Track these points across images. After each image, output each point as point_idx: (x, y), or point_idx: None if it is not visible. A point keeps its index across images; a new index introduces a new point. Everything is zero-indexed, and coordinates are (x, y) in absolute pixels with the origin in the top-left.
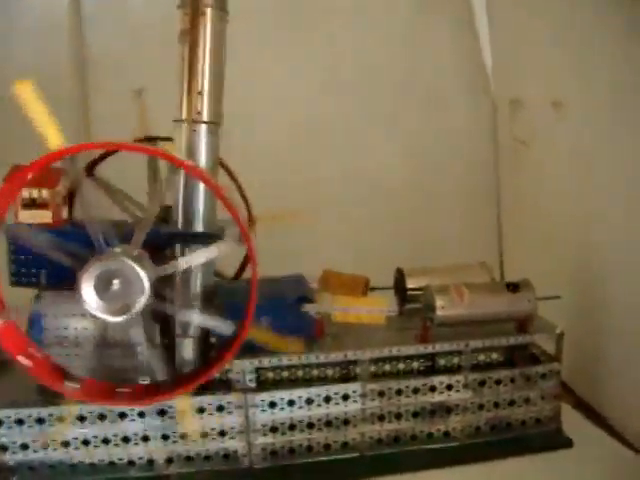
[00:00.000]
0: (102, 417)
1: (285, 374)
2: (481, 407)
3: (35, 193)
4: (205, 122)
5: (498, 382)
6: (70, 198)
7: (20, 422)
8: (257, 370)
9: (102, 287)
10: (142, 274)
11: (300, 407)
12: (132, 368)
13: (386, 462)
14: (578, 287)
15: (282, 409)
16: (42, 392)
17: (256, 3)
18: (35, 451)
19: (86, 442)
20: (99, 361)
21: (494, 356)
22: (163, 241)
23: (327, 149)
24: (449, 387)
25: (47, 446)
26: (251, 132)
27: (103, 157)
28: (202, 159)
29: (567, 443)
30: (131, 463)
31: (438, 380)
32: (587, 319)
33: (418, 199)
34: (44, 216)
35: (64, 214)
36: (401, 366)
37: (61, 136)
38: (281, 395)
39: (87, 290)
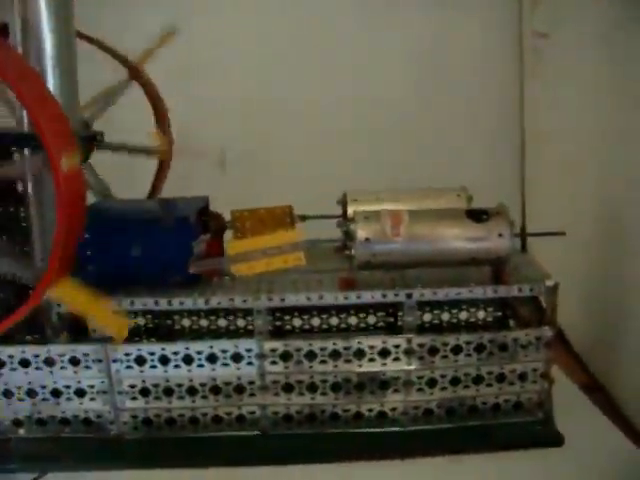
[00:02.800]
0: None
1: (185, 323)
2: (432, 383)
3: None
4: None
5: (457, 350)
6: None
7: None
8: (134, 312)
9: None
10: None
11: (177, 366)
12: None
13: (295, 445)
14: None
15: (154, 367)
16: None
17: None
18: None
19: None
20: None
21: (480, 314)
22: None
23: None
24: (383, 353)
25: None
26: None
27: None
28: (43, 30)
29: (555, 439)
30: None
31: (368, 343)
32: (613, 282)
33: (426, 123)
34: None
35: None
36: (334, 321)
37: None
38: (150, 348)
39: None
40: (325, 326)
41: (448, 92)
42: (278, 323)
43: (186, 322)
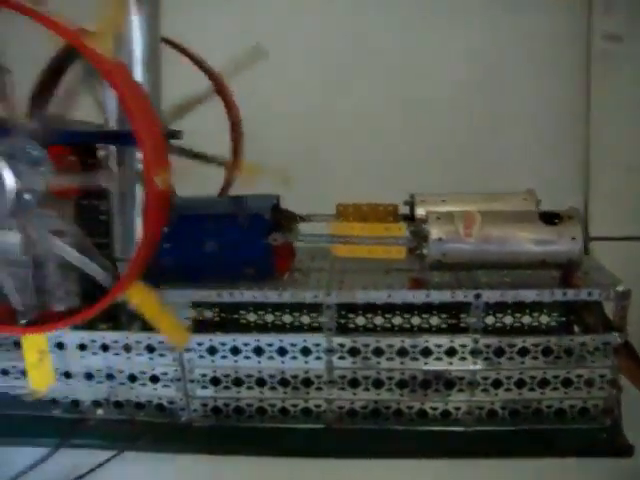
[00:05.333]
0: (16, 344)
1: (250, 317)
2: (497, 384)
3: None
4: None
5: (523, 352)
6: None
7: None
8: (202, 305)
9: None
10: (5, 174)
11: (247, 357)
12: (53, 290)
13: (358, 441)
14: None
15: (224, 357)
16: None
17: None
18: None
19: (5, 372)
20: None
21: (543, 319)
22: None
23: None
24: (450, 352)
25: None
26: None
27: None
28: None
29: (624, 448)
30: (55, 402)
31: (435, 341)
32: None
33: (484, 122)
34: None
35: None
36: (397, 321)
37: None
38: (222, 339)
39: None
40: (388, 325)
41: (511, 94)
42: (342, 321)
43: (252, 317)
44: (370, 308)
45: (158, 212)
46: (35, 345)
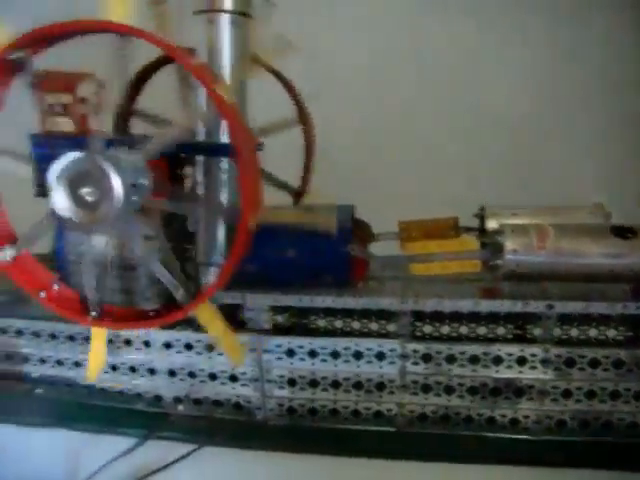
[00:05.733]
0: (110, 341)
1: (320, 322)
2: (567, 394)
3: (63, 99)
4: (228, 11)
5: (594, 363)
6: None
7: (36, 335)
8: (275, 310)
9: (74, 190)
10: (113, 175)
11: (324, 360)
12: (141, 291)
13: (428, 445)
14: None
15: (302, 360)
16: None
17: None
18: (52, 367)
19: None
20: (115, 282)
21: (610, 333)
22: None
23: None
24: (521, 361)
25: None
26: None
27: (149, 71)
28: (224, 55)
29: None
30: (139, 396)
31: (506, 350)
32: None
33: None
34: (66, 125)
35: (94, 124)
36: (464, 330)
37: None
38: (300, 342)
39: (58, 193)
40: (454, 334)
41: (579, 109)
42: (428, 329)
43: (321, 322)
44: (439, 316)
45: (245, 248)
46: (101, 337)
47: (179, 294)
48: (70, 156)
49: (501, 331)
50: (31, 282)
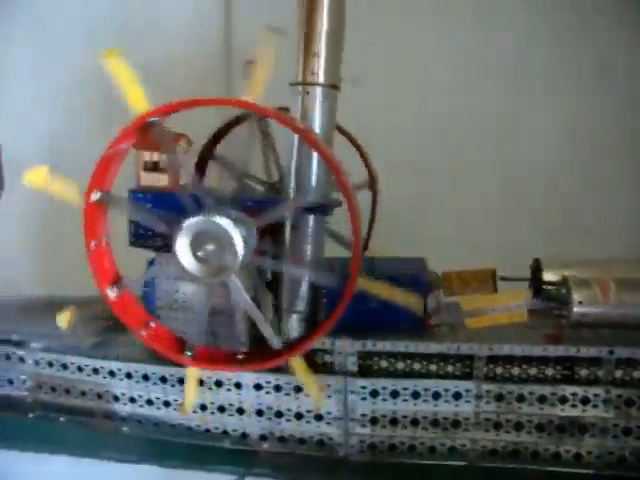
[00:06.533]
0: (201, 383)
1: (398, 365)
2: (627, 432)
3: (155, 157)
4: (320, 84)
5: None
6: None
7: (129, 376)
8: (361, 354)
9: (197, 248)
10: (233, 232)
11: (405, 400)
12: (237, 335)
13: (499, 478)
14: None
15: (384, 400)
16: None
17: None
18: (141, 406)
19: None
20: (209, 327)
21: None
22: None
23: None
24: (584, 401)
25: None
26: (395, 107)
27: (229, 127)
28: (316, 122)
29: None
30: (225, 433)
31: (571, 390)
32: None
33: (576, 184)
34: (161, 180)
35: (185, 178)
36: (532, 371)
37: (147, 101)
38: (384, 384)
39: (182, 251)
40: (540, 376)
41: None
42: (500, 371)
43: (384, 363)
44: (509, 359)
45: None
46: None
47: (274, 342)
48: (196, 217)
49: (550, 372)
50: (133, 320)
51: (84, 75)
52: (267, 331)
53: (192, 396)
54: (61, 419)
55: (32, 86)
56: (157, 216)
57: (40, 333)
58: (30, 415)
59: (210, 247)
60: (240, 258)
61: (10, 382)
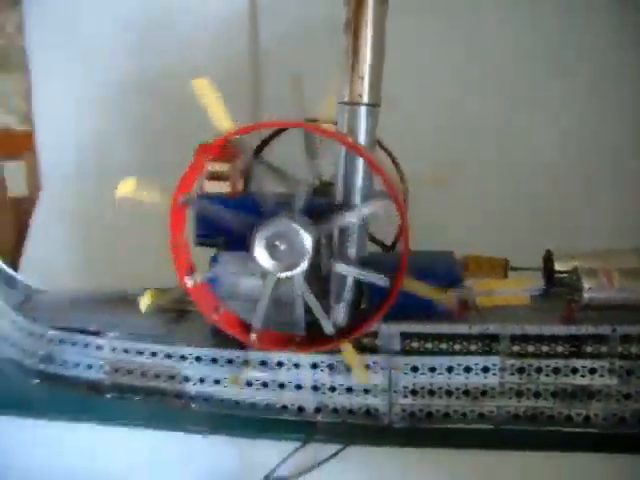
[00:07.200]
0: (263, 363)
1: (430, 345)
2: (628, 396)
3: (217, 167)
4: (365, 104)
5: None
6: (246, 173)
7: (198, 359)
8: (403, 336)
9: (271, 247)
10: (304, 235)
11: (440, 374)
12: (294, 321)
13: (521, 438)
14: None
15: (423, 374)
16: (215, 336)
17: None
18: (209, 385)
19: (249, 384)
20: (270, 314)
21: None
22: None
23: (484, 134)
24: (592, 371)
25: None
26: (411, 117)
27: (273, 137)
28: (361, 137)
29: None
30: (284, 408)
31: (581, 363)
32: None
33: (575, 184)
34: (224, 187)
35: (240, 186)
36: (544, 348)
37: (231, 121)
38: (423, 361)
39: (259, 250)
40: (552, 352)
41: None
42: (516, 349)
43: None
44: (526, 338)
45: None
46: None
47: (328, 328)
48: (273, 219)
49: (560, 349)
50: (206, 305)
51: (117, 77)
52: (323, 318)
53: (354, 362)
54: (136, 398)
55: (66, 91)
56: (237, 218)
57: (113, 323)
58: (108, 396)
59: (283, 246)
60: (308, 257)
61: (89, 367)
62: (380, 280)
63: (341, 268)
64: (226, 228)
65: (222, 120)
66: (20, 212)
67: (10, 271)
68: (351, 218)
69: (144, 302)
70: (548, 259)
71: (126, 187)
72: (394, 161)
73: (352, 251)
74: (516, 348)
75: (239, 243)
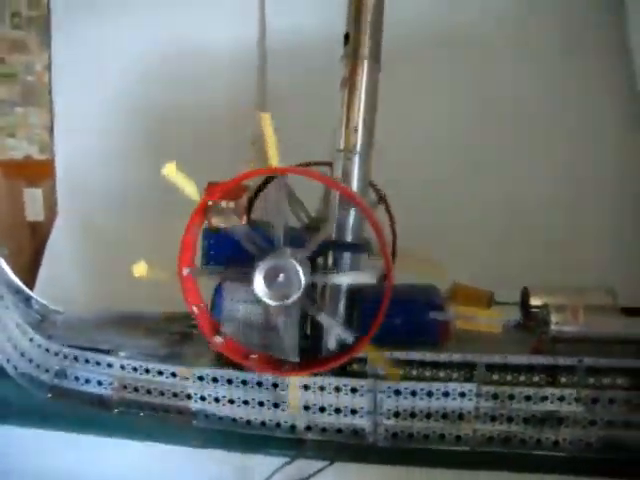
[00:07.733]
0: (260, 384)
1: (415, 372)
2: (593, 423)
3: (225, 204)
4: (359, 153)
5: (612, 401)
6: (249, 207)
7: (200, 378)
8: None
9: (269, 277)
10: (302, 276)
11: (421, 398)
12: (284, 347)
13: (494, 460)
14: None
15: (405, 398)
16: (218, 358)
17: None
18: (209, 403)
19: (246, 402)
20: (263, 339)
21: (619, 381)
22: (318, 247)
23: (477, 177)
24: (561, 399)
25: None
26: (407, 159)
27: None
28: (354, 183)
29: None
30: (278, 425)
31: (550, 391)
32: None
33: (563, 227)
34: (231, 221)
35: (244, 221)
36: (522, 378)
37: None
38: (405, 385)
39: (258, 278)
40: (528, 382)
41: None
42: (495, 377)
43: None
44: (500, 367)
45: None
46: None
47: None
48: (273, 255)
49: (535, 379)
50: (207, 329)
51: (132, 110)
52: (334, 329)
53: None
54: (141, 414)
55: (84, 124)
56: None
57: (123, 343)
58: (115, 410)
59: (280, 278)
60: (303, 286)
61: (99, 383)
62: (346, 336)
63: (318, 316)
64: (234, 259)
65: (273, 155)
66: (37, 236)
67: (28, 291)
68: (340, 281)
69: (139, 269)
70: (525, 294)
71: (139, 270)
72: (384, 201)
73: (337, 301)
74: (495, 377)
75: (240, 274)
